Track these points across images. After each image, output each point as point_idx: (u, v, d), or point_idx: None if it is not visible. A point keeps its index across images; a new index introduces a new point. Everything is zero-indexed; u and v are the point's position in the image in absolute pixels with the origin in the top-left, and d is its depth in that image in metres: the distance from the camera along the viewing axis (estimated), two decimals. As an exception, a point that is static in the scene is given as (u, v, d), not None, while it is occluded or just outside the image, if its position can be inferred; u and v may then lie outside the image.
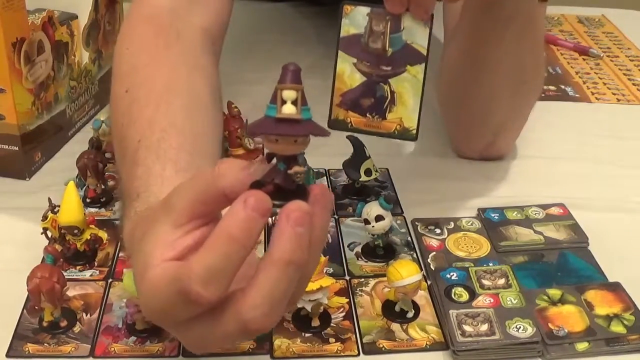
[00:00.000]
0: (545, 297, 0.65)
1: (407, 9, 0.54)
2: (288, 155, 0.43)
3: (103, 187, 0.78)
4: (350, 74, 0.56)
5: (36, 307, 0.61)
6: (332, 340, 0.61)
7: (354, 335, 0.62)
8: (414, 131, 0.57)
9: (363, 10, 0.55)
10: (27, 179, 0.83)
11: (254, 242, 0.40)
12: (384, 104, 0.57)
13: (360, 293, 0.67)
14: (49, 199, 0.70)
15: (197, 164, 0.58)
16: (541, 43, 0.80)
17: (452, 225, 0.75)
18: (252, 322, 0.41)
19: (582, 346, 0.61)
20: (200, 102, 0.68)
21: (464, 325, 0.61)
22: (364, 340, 0.62)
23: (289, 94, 0.42)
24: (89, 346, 0.60)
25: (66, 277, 0.62)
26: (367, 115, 0.57)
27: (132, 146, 0.61)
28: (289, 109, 0.42)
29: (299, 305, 0.61)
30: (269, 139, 0.42)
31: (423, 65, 0.56)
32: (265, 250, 0.46)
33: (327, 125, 0.59)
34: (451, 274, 0.68)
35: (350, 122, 0.57)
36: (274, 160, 0.43)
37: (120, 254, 0.71)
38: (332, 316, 0.64)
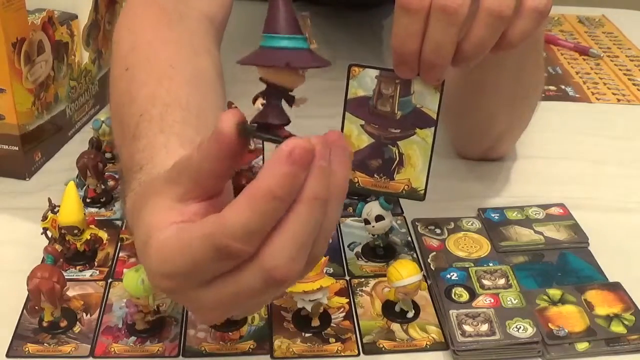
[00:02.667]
0: (546, 297, 0.65)
1: (418, 74, 0.53)
2: (284, 88, 0.41)
3: (103, 187, 0.78)
4: (357, 135, 0.55)
5: (36, 307, 0.61)
6: (332, 340, 0.61)
7: (354, 335, 0.62)
8: (422, 192, 0.57)
9: (371, 73, 0.54)
10: (27, 179, 0.83)
11: (295, 195, 0.38)
12: (392, 166, 0.56)
13: (360, 293, 0.67)
14: (49, 199, 0.70)
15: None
16: (541, 60, 0.78)
17: (452, 225, 0.75)
18: (276, 270, 0.39)
19: (582, 346, 0.61)
20: (204, 78, 0.65)
21: (464, 325, 0.61)
22: (364, 340, 0.62)
23: None
24: (89, 346, 0.60)
25: (66, 277, 0.63)
26: (375, 175, 0.56)
27: (132, 122, 0.58)
28: None
29: (299, 306, 0.61)
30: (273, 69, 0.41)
31: (433, 129, 0.55)
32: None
33: None
34: (451, 274, 0.68)
35: (358, 181, 0.57)
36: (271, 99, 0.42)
37: (120, 254, 0.71)
38: (332, 316, 0.63)
